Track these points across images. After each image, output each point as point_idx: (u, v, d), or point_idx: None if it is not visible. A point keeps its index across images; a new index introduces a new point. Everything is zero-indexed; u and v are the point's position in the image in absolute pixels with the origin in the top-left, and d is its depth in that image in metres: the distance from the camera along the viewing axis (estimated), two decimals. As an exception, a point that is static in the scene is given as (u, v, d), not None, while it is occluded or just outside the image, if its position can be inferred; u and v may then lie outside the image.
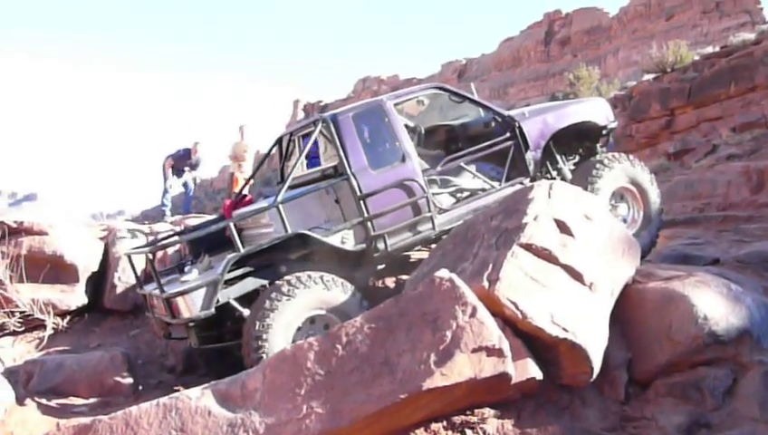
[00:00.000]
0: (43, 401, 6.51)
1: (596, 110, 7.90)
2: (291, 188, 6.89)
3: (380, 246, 6.61)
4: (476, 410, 5.03)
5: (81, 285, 8.55)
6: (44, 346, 8.03)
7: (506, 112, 7.53)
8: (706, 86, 22.26)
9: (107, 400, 6.58)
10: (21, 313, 8.12)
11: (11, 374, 6.98)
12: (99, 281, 8.86)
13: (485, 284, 5.11)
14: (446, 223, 6.93)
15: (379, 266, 7.00)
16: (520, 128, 7.32)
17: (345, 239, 6.61)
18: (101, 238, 9.44)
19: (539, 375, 5.04)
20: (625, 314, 5.79)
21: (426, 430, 4.94)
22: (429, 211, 6.77)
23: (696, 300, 5.58)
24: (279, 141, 8.11)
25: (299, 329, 6.04)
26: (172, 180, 13.29)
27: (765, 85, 20.60)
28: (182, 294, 6.03)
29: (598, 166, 7.26)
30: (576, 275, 5.41)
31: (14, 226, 8.53)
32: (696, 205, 13.05)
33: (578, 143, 8.08)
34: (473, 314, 4.74)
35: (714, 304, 5.61)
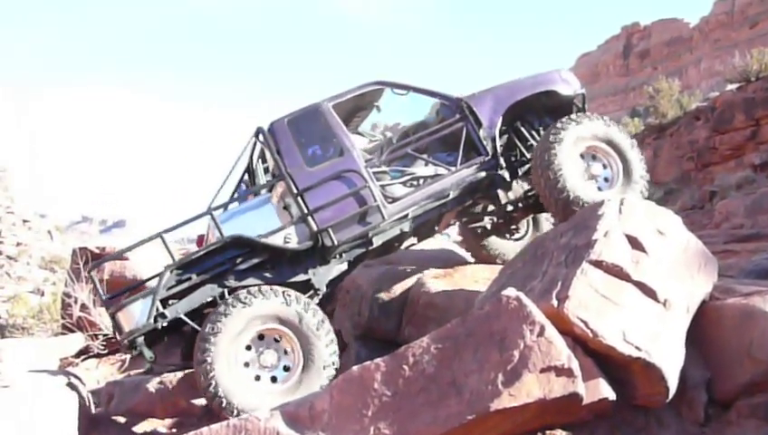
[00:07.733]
0: (121, 421, 6.71)
1: (555, 79, 7.39)
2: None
3: (327, 240, 6.46)
4: (548, 432, 4.96)
5: (161, 308, 8.78)
6: (126, 368, 8.29)
7: (454, 96, 7.19)
8: (793, 94, 21.44)
9: (181, 420, 6.73)
10: (104, 335, 8.43)
11: (94, 395, 7.21)
12: (178, 304, 9.07)
13: (554, 302, 5.03)
14: (398, 211, 6.72)
15: (338, 268, 6.79)
16: (469, 107, 7.03)
17: (288, 238, 6.50)
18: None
19: (612, 396, 4.90)
20: (703, 331, 5.57)
21: (495, 452, 4.87)
22: (375, 201, 6.58)
23: (778, 316, 5.32)
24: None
25: (248, 346, 6.02)
26: None
27: None
28: (121, 308, 6.29)
29: (556, 128, 6.79)
30: (649, 292, 5.25)
31: (97, 251, 8.90)
32: (783, 218, 12.56)
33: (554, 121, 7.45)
34: (540, 333, 4.65)
35: (798, 321, 5.33)
